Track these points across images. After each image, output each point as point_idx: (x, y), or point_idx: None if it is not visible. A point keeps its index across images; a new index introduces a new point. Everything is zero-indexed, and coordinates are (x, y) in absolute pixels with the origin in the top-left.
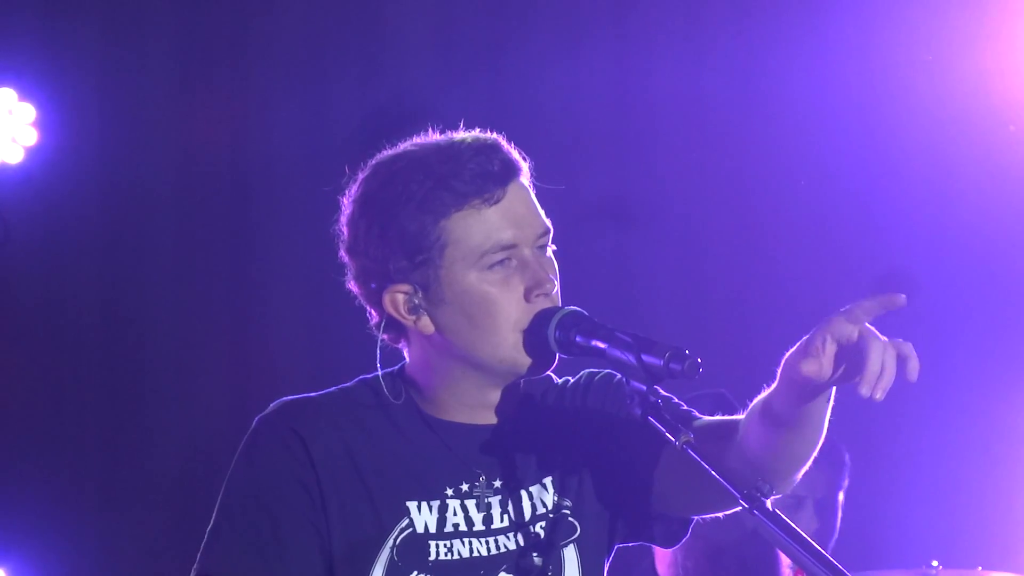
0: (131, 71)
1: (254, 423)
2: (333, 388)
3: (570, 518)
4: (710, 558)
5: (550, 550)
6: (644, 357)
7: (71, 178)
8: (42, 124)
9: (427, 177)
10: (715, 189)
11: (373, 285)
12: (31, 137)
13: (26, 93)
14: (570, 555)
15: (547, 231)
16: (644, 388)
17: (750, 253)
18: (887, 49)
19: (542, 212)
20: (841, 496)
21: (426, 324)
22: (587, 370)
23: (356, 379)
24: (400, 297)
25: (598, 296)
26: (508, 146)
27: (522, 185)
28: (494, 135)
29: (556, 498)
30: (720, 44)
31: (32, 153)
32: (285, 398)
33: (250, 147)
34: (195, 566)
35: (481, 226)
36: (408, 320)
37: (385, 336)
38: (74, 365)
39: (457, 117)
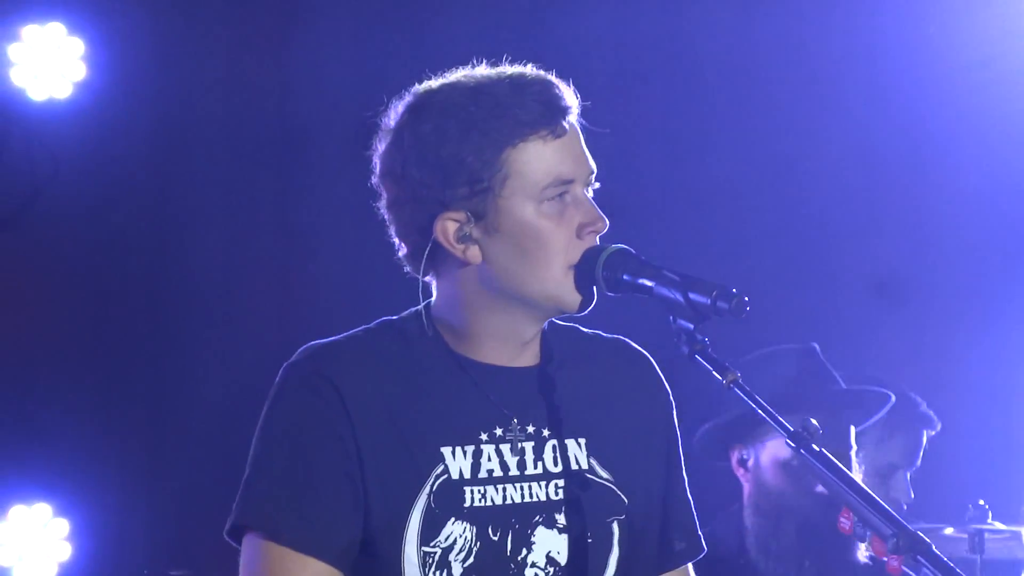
0: (180, 5)
1: (282, 370)
2: (357, 330)
3: (617, 491)
4: (775, 517)
5: (595, 518)
6: (691, 295)
7: (120, 113)
8: (91, 59)
9: (492, 105)
10: (762, 157)
11: (422, 211)
12: (80, 72)
13: (75, 27)
14: (615, 532)
15: (594, 171)
16: (692, 326)
17: (801, 221)
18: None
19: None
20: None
21: (475, 254)
22: (623, 341)
23: (378, 320)
24: (452, 225)
25: (647, 230)
26: (563, 83)
27: (576, 123)
28: (544, 72)
29: (590, 461)
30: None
31: (81, 88)
32: (312, 343)
33: (299, 83)
34: (231, 516)
35: (544, 158)
36: (457, 249)
37: (410, 268)
38: (122, 303)
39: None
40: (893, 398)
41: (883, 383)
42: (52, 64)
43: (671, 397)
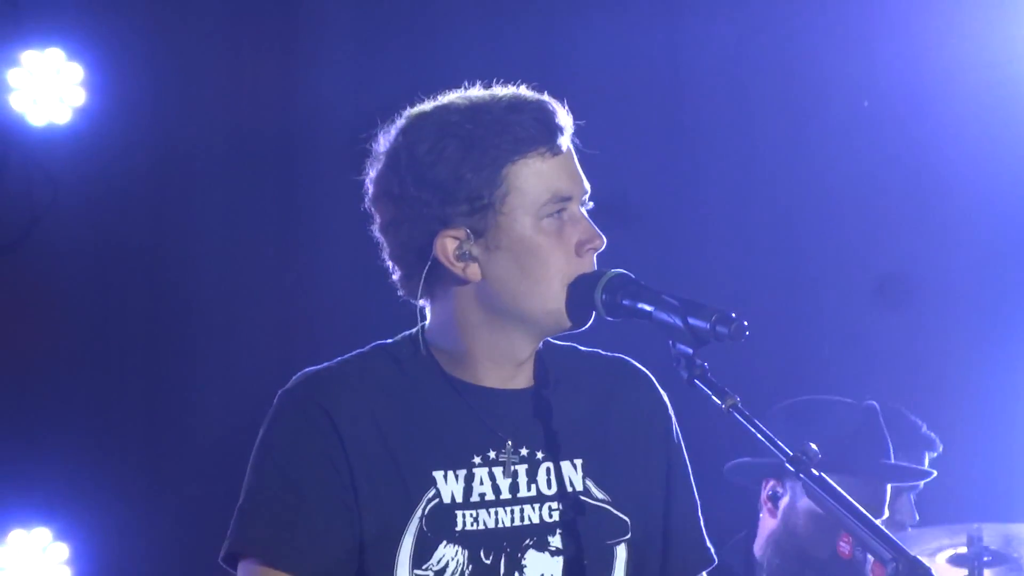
0: (179, 30)
1: (277, 398)
2: (351, 355)
3: (616, 513)
4: (797, 564)
5: (591, 541)
6: (690, 320)
7: (119, 138)
8: (90, 84)
9: (492, 123)
10: (752, 161)
11: (421, 230)
12: (79, 97)
13: (74, 53)
14: (620, 555)
15: (588, 191)
16: (691, 351)
17: (801, 222)
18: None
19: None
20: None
21: (474, 272)
22: (622, 360)
23: (372, 345)
24: (451, 243)
25: (645, 257)
26: (559, 104)
27: (572, 142)
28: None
29: (585, 482)
30: (763, 22)
31: (80, 113)
32: (307, 370)
33: (298, 109)
34: (225, 543)
35: (542, 175)
36: (456, 267)
37: (404, 292)
38: (121, 327)
39: (503, 78)
40: (935, 474)
41: (883, 396)
42: (51, 89)
43: (671, 412)
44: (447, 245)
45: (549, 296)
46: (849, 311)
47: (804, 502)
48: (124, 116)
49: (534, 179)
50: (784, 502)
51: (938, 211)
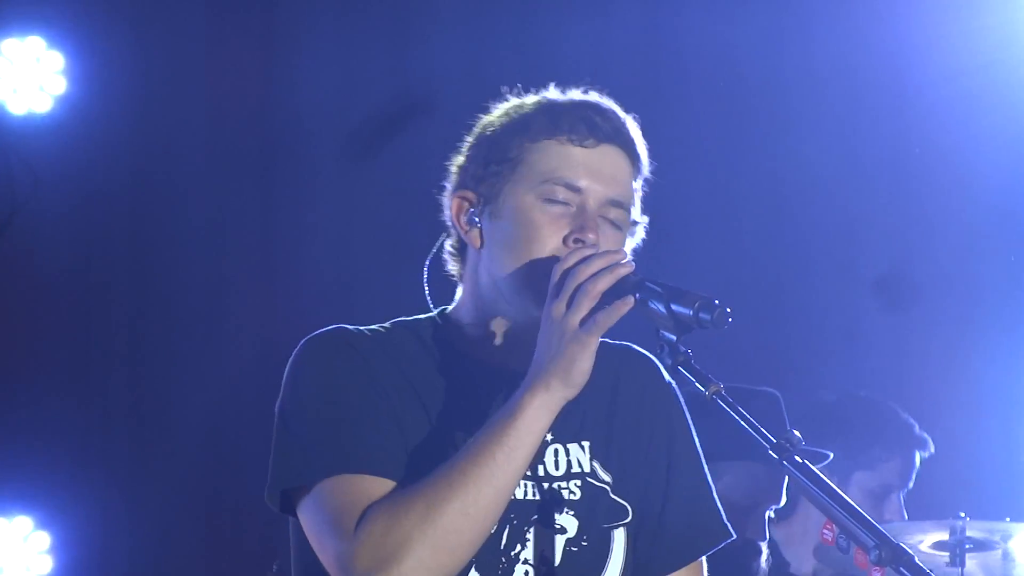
0: (160, 18)
1: (302, 344)
2: (372, 325)
3: (619, 499)
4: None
5: (592, 523)
6: (673, 306)
7: (100, 127)
8: (70, 73)
9: (539, 109)
10: (745, 156)
11: (449, 188)
12: (60, 86)
13: (54, 41)
14: (619, 539)
15: (619, 204)
16: (674, 338)
17: (782, 225)
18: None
19: (631, 193)
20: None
21: (475, 237)
22: (628, 346)
23: (394, 320)
24: (464, 204)
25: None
26: (631, 124)
27: (621, 154)
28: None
29: (592, 464)
30: (756, 18)
31: (61, 102)
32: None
33: (279, 97)
34: (279, 480)
35: (557, 157)
36: (462, 228)
37: (453, 269)
38: (103, 317)
39: (486, 77)
40: (831, 456)
41: (882, 394)
42: (31, 78)
43: (676, 396)
44: (461, 206)
45: (524, 276)
46: (845, 308)
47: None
48: (105, 105)
49: (546, 158)
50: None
51: (935, 209)
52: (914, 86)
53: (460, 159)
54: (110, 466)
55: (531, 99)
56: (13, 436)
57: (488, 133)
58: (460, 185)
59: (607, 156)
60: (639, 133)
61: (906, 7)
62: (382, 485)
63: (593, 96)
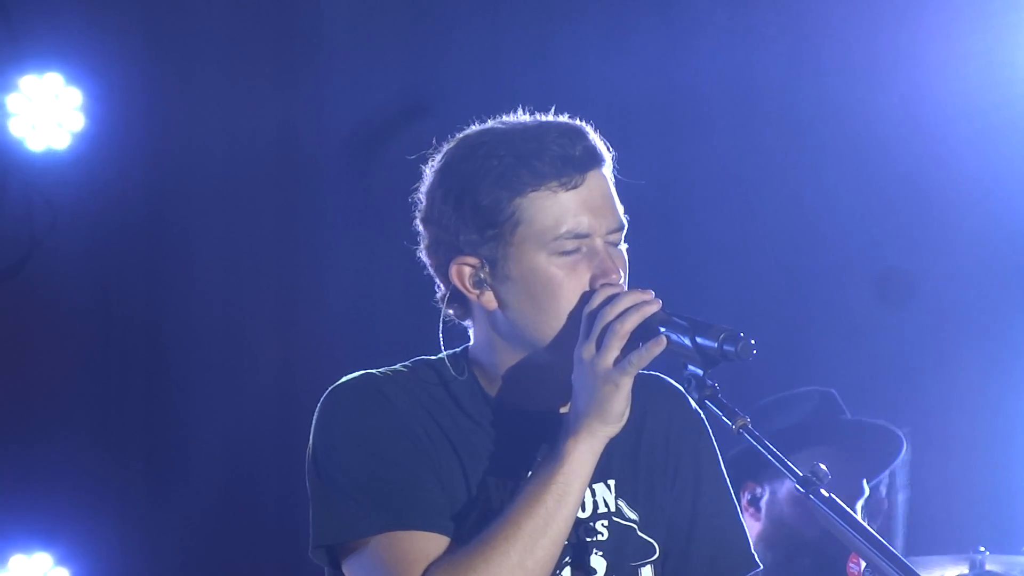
0: (177, 55)
1: (328, 394)
2: (395, 365)
3: (645, 536)
4: (791, 551)
5: (620, 563)
6: (698, 340)
7: (118, 163)
8: (89, 109)
9: (508, 154)
10: (763, 180)
11: (442, 255)
12: (78, 122)
13: (73, 77)
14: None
15: (621, 226)
16: (701, 372)
17: (798, 244)
18: (935, 37)
19: (620, 206)
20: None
21: (489, 299)
22: (656, 377)
23: (416, 358)
24: (467, 270)
25: (645, 257)
26: (594, 135)
27: (603, 175)
28: (581, 122)
29: (617, 503)
30: (766, 32)
31: (79, 138)
32: (350, 375)
33: (297, 132)
34: (314, 539)
35: (555, 209)
36: (472, 294)
37: (451, 311)
38: (122, 351)
39: (506, 105)
40: (903, 445)
41: (881, 394)
42: (50, 114)
43: (704, 426)
44: (463, 271)
45: (560, 328)
46: (851, 309)
47: (785, 487)
48: (123, 141)
49: (544, 212)
50: (765, 499)
51: (940, 210)
52: (921, 89)
53: (434, 212)
54: (129, 501)
55: (493, 137)
56: (33, 472)
57: (464, 187)
58: (454, 251)
59: (594, 186)
60: (592, 130)
61: (913, 29)
62: (433, 541)
63: (562, 121)
